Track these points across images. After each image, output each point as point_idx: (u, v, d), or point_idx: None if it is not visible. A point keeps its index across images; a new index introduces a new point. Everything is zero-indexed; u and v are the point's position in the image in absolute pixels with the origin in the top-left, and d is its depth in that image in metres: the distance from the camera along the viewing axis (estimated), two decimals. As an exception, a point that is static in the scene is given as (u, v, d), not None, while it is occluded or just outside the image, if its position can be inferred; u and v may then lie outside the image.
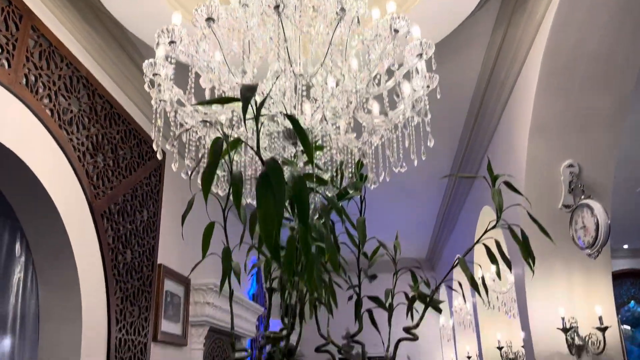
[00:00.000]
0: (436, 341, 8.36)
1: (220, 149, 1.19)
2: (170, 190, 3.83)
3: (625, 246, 7.83)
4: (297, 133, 1.24)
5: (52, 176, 2.51)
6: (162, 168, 3.69)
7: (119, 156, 3.12)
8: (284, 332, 1.96)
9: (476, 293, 5.07)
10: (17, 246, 2.53)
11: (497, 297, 4.39)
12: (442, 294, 7.93)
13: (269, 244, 1.18)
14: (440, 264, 7.63)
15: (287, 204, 1.98)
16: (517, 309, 3.82)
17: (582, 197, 3.11)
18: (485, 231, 2.03)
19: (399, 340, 2.14)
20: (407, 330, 2.15)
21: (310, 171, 2.11)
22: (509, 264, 1.97)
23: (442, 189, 5.79)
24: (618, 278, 7.78)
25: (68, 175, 2.63)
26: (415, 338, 2.15)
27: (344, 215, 2.09)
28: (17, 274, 2.49)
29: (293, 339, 2.19)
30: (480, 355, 5.34)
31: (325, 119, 1.89)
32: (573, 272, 3.45)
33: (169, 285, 3.75)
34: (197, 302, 4.16)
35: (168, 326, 3.68)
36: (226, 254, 1.60)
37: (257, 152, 1.28)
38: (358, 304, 2.20)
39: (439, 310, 2.12)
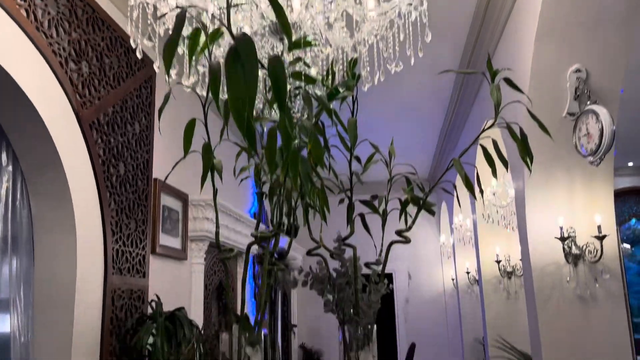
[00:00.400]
0: (436, 259, 8.52)
1: (183, 21, 1.08)
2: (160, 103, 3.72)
3: (630, 164, 7.75)
4: (272, 4, 1.13)
5: (33, 82, 2.40)
6: (153, 80, 3.57)
7: (105, 65, 2.99)
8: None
9: (476, 210, 4.99)
10: (4, 155, 2.47)
11: (497, 211, 4.38)
12: (444, 212, 7.98)
13: (240, 127, 1.09)
14: (446, 176, 7.60)
15: (274, 106, 1.88)
16: (517, 221, 3.80)
17: (588, 102, 2.99)
18: (483, 130, 1.95)
19: (391, 243, 2.11)
20: (399, 233, 2.12)
21: (299, 70, 1.99)
22: (505, 164, 1.90)
23: (445, 105, 5.65)
24: (621, 195, 7.77)
25: (50, 82, 2.52)
26: (407, 241, 2.13)
27: (335, 118, 2.00)
28: (5, 183, 2.44)
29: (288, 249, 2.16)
30: (478, 270, 5.42)
31: (311, 5, 1.75)
32: (574, 181, 3.39)
33: (166, 200, 3.74)
34: (196, 218, 4.16)
35: (167, 240, 3.71)
36: (206, 150, 1.53)
37: (228, 28, 1.17)
38: (350, 208, 2.16)
39: (432, 213, 2.08)
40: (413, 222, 2.09)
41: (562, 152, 3.34)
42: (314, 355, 7.65)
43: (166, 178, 1.71)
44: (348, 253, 2.16)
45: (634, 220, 8.43)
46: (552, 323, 3.31)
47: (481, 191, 1.96)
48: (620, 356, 3.18)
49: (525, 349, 4.19)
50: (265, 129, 2.01)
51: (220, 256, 1.70)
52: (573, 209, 3.38)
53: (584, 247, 3.27)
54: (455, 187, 2.02)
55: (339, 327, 2.09)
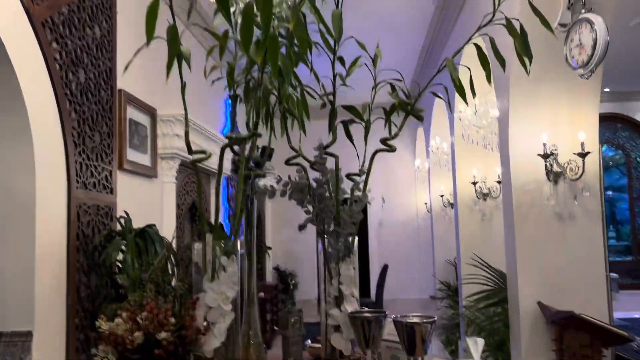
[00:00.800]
0: (410, 183, 8.53)
1: None
2: (125, 8, 3.41)
3: (607, 89, 7.71)
4: None
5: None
6: (114, -20, 3.23)
7: (57, -44, 2.66)
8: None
9: (455, 131, 4.84)
10: (-56, 53, 2.20)
11: (477, 131, 4.29)
12: (420, 135, 7.90)
13: (212, -17, 0.91)
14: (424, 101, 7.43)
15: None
16: (498, 139, 3.72)
17: (583, 11, 2.82)
18: (479, 28, 1.79)
19: (376, 152, 1.99)
20: (384, 141, 1.99)
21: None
22: (503, 63, 1.75)
23: (428, 17, 5.40)
24: (595, 121, 7.77)
25: (-8, -30, 2.22)
26: (392, 149, 2.00)
27: (315, 13, 1.80)
28: (-52, 85, 2.20)
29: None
30: (454, 191, 5.40)
31: None
32: (560, 98, 3.29)
33: (133, 114, 3.51)
34: (165, 134, 3.96)
35: (135, 156, 3.51)
36: (172, 33, 1.33)
37: None
38: (332, 114, 2.01)
39: (420, 119, 1.94)
40: (400, 128, 1.95)
41: (550, 67, 3.21)
42: (288, 277, 7.75)
43: (127, 66, 1.51)
44: (329, 164, 2.03)
45: (605, 146, 8.53)
46: (529, 241, 3.31)
47: (473, 93, 1.82)
48: (594, 273, 3.22)
49: (498, 269, 4.24)
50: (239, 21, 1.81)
51: (191, 159, 1.54)
52: (557, 126, 3.30)
53: (566, 164, 3.22)
54: (446, 89, 1.87)
55: (317, 237, 1.99)
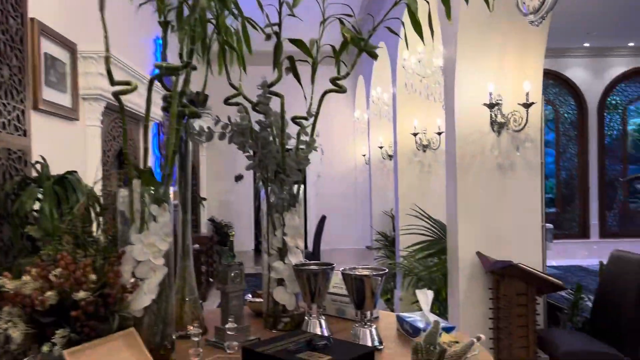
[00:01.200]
0: (349, 134, 8.45)
1: None
2: None
3: (543, 46, 7.84)
4: None
5: None
6: None
7: None
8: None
9: (397, 81, 4.68)
10: None
11: (421, 81, 4.19)
12: (360, 86, 7.77)
13: None
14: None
15: None
16: (444, 88, 3.64)
17: (537, -46, 2.72)
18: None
19: (325, 92, 1.81)
20: (334, 80, 1.82)
21: None
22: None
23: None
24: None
25: None
26: (343, 90, 1.84)
27: None
28: None
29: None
30: (395, 143, 5.35)
31: None
32: (508, 47, 3.22)
33: (49, 47, 3.12)
34: (87, 73, 3.58)
35: (52, 95, 3.15)
36: None
37: None
38: (278, 47, 1.81)
39: (374, 56, 1.78)
40: (352, 67, 1.79)
41: (499, 15, 3.11)
42: (223, 228, 7.57)
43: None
44: (273, 106, 1.85)
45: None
46: (470, 191, 3.30)
47: (432, 30, 1.67)
48: (531, 223, 3.27)
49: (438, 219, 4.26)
50: None
51: (114, 90, 1.32)
52: (502, 77, 3.25)
53: (510, 115, 3.19)
54: (403, 23, 1.71)
55: (259, 186, 1.83)
